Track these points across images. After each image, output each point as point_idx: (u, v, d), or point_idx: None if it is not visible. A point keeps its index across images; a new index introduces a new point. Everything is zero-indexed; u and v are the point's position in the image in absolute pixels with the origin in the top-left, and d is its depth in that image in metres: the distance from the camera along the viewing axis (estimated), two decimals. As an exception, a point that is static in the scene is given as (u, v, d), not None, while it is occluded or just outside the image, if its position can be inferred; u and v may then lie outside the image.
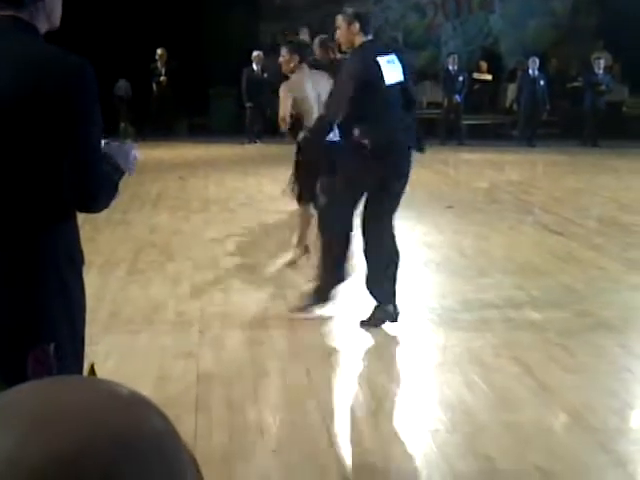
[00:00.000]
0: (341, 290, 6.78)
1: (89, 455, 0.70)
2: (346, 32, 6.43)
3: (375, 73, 6.31)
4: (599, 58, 20.47)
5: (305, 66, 8.17)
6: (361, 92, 6.20)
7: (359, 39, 6.40)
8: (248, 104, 19.80)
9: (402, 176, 6.59)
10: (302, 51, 8.29)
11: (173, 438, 0.78)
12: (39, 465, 0.68)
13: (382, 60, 6.37)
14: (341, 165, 6.69)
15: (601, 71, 20.24)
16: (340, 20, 6.50)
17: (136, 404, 0.78)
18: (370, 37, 6.45)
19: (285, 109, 7.90)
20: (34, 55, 2.63)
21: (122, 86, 21.00)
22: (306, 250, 8.30)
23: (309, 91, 7.97)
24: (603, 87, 20.13)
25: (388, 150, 6.41)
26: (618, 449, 4.43)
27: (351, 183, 6.49)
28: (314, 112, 7.70)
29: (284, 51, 8.17)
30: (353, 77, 6.26)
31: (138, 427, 0.75)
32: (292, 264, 8.23)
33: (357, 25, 6.36)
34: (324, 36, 9.36)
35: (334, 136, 6.72)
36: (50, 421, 0.72)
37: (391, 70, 6.44)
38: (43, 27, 2.77)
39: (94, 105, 2.66)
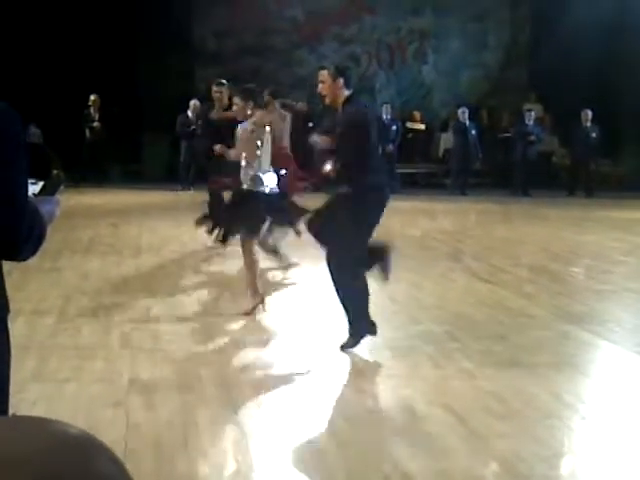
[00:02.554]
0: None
1: None
2: (332, 86, 6.92)
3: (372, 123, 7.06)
4: (530, 110, 20.89)
5: (261, 111, 8.46)
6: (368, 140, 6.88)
7: (344, 93, 6.90)
8: (183, 151, 19.84)
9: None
10: (255, 97, 8.46)
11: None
12: None
13: None
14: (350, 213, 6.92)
15: (531, 122, 20.64)
16: (325, 75, 6.97)
17: (86, 447, 0.77)
18: (352, 91, 6.99)
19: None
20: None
21: (34, 132, 20.70)
22: (262, 300, 8.22)
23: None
24: (533, 137, 20.53)
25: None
26: (546, 497, 4.45)
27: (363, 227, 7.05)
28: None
29: (237, 100, 8.33)
30: (361, 126, 6.88)
31: (87, 471, 0.74)
32: (249, 313, 8.12)
33: (341, 80, 6.88)
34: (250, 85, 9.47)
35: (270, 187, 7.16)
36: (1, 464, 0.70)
37: None
38: None
39: (18, 151, 2.63)
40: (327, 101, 7.20)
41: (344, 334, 7.19)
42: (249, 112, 8.30)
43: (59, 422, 0.79)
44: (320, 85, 7.08)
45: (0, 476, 0.69)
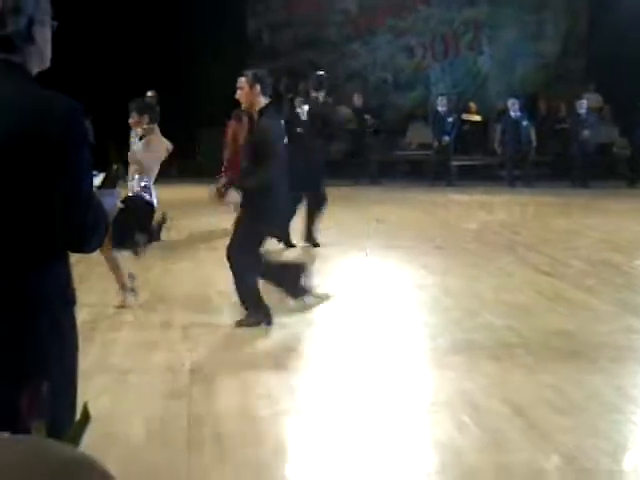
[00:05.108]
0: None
1: None
2: (249, 93, 7.20)
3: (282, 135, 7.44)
4: (582, 99, 20.64)
5: (156, 127, 9.11)
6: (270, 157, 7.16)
7: (261, 100, 7.20)
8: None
9: None
10: (151, 111, 8.85)
11: None
12: None
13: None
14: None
15: (584, 111, 20.40)
16: (243, 82, 7.27)
17: (78, 469, 0.76)
18: (268, 99, 7.25)
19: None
20: (26, 98, 2.65)
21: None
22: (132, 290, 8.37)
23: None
24: (586, 131, 20.21)
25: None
26: (610, 491, 4.42)
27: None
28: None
29: (134, 114, 8.73)
30: (266, 145, 7.19)
31: None
32: (122, 307, 8.23)
33: (258, 87, 7.13)
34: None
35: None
36: None
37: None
38: (35, 68, 2.80)
39: (84, 148, 2.69)
40: (243, 107, 7.54)
41: (401, 329, 7.21)
42: (144, 126, 8.94)
43: (53, 444, 0.79)
44: (238, 92, 7.37)
45: None
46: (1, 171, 2.59)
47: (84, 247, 2.78)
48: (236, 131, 12.10)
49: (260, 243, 7.46)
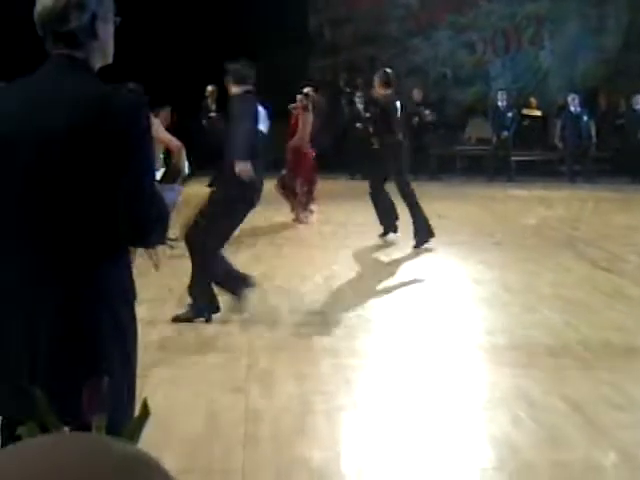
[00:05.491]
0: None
1: None
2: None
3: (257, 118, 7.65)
4: (638, 95, 20.44)
5: None
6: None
7: (232, 90, 7.66)
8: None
9: None
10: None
11: None
12: None
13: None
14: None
15: (639, 108, 20.19)
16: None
17: (144, 465, 0.79)
18: (248, 87, 7.61)
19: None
20: (89, 94, 2.70)
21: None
22: None
23: None
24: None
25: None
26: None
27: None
28: None
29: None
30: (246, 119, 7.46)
31: None
32: None
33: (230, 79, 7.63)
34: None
35: None
36: None
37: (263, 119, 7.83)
38: (97, 64, 2.85)
39: (147, 143, 2.73)
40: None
41: (458, 325, 7.20)
42: None
43: (115, 441, 0.82)
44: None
45: None
46: (65, 166, 2.64)
47: (146, 242, 2.82)
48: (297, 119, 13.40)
49: (232, 228, 7.54)
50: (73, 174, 2.64)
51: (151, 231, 2.78)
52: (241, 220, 7.54)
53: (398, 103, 11.71)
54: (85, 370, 2.63)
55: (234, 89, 7.63)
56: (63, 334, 2.67)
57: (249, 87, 7.60)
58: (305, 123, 13.62)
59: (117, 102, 2.68)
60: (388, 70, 11.83)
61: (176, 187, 2.90)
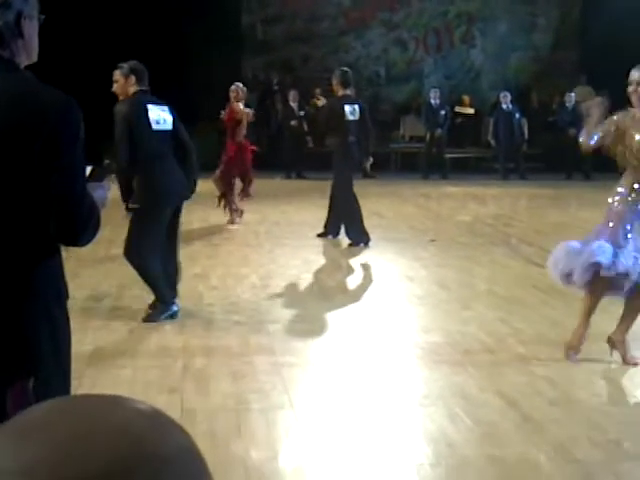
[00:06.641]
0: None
1: (122, 475, 0.72)
2: (124, 85, 7.31)
3: (143, 118, 7.21)
4: (570, 93, 20.72)
5: None
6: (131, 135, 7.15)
7: (131, 89, 7.29)
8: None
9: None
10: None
11: (197, 454, 0.80)
12: None
13: (152, 108, 7.28)
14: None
15: (571, 105, 20.45)
16: (118, 74, 7.37)
17: (162, 422, 0.80)
18: (144, 87, 7.32)
19: None
20: (17, 92, 2.65)
21: None
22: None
23: None
24: (573, 129, 20.15)
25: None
26: (602, 482, 4.42)
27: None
28: None
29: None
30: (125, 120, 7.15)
31: (167, 445, 0.77)
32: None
33: (133, 78, 7.28)
34: None
35: None
36: (83, 441, 0.73)
37: (160, 118, 7.34)
38: (23, 63, 2.79)
39: (77, 141, 2.69)
40: (120, 98, 7.48)
41: (393, 322, 7.21)
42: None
43: (132, 400, 0.83)
44: (114, 85, 7.43)
45: (85, 452, 0.72)
46: None
47: (78, 241, 2.79)
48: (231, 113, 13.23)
49: (154, 228, 7.39)
50: (3, 172, 2.59)
51: (83, 230, 2.76)
52: (159, 221, 7.42)
53: (355, 105, 11.53)
54: (13, 372, 2.59)
55: (135, 88, 7.37)
56: None
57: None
58: (242, 113, 13.28)
59: (46, 101, 2.64)
60: (346, 69, 11.71)
61: (105, 185, 2.86)
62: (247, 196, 13.56)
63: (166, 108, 7.39)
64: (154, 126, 7.23)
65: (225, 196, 13.28)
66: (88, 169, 2.92)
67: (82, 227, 2.74)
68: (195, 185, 7.75)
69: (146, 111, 7.20)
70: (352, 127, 11.26)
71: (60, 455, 0.72)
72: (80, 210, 2.71)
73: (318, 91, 19.76)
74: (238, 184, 13.34)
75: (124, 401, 0.82)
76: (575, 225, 13.36)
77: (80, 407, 0.80)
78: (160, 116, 7.31)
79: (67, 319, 2.86)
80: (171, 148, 7.39)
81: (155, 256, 7.36)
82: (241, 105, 13.08)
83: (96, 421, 0.76)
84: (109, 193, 3.09)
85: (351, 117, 11.27)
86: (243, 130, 13.10)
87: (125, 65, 7.38)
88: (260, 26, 23.76)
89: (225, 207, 13.34)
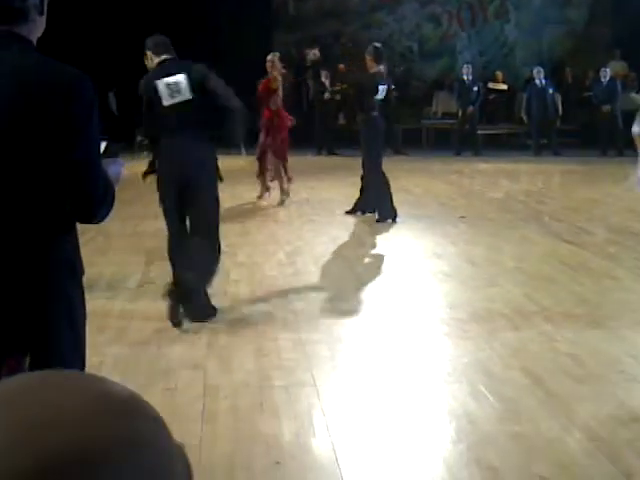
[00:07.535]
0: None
1: (82, 461, 0.69)
2: (147, 61, 7.07)
3: (152, 95, 6.88)
4: (605, 68, 20.45)
5: None
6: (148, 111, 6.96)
7: (152, 64, 7.03)
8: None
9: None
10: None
11: (167, 441, 0.78)
12: (28, 471, 0.67)
13: (163, 82, 6.85)
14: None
15: (606, 80, 20.19)
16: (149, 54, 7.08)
17: (132, 407, 0.77)
18: (166, 57, 6.96)
19: None
20: (32, 68, 2.65)
21: (112, 101, 21.47)
22: None
23: None
24: (607, 105, 20.01)
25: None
26: (626, 461, 4.37)
27: None
28: None
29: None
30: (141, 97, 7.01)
31: (134, 431, 0.74)
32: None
33: (148, 53, 7.02)
34: None
35: None
36: (45, 426, 0.70)
37: (174, 90, 6.88)
38: (35, 38, 2.79)
39: (91, 117, 2.68)
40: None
41: (420, 298, 7.17)
42: None
43: (105, 380, 0.80)
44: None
45: (46, 437, 0.70)
46: (10, 142, 2.59)
47: (93, 218, 2.78)
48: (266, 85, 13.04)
49: (163, 208, 6.99)
50: (19, 148, 2.60)
51: (99, 207, 2.76)
52: (164, 202, 6.97)
53: (386, 86, 11.46)
54: (34, 342, 2.62)
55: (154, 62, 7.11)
56: (10, 307, 2.64)
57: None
58: (278, 82, 13.16)
59: (62, 77, 2.64)
60: (378, 45, 11.65)
61: (119, 161, 2.85)
62: (290, 180, 13.44)
63: (181, 77, 6.84)
64: (167, 101, 6.83)
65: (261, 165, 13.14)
66: (103, 145, 2.92)
67: (98, 204, 2.74)
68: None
69: (155, 88, 6.84)
70: (379, 105, 11.34)
71: (13, 443, 0.70)
72: (96, 187, 2.71)
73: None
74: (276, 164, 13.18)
75: (95, 383, 0.79)
76: (607, 202, 13.26)
77: (47, 390, 0.77)
78: (174, 87, 6.86)
79: (82, 295, 2.87)
80: (192, 120, 6.82)
81: (171, 237, 7.03)
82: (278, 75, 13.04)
83: (58, 406, 0.73)
84: (123, 169, 3.08)
85: (380, 96, 11.27)
86: (278, 99, 13.00)
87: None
88: (292, 2, 23.69)
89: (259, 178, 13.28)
